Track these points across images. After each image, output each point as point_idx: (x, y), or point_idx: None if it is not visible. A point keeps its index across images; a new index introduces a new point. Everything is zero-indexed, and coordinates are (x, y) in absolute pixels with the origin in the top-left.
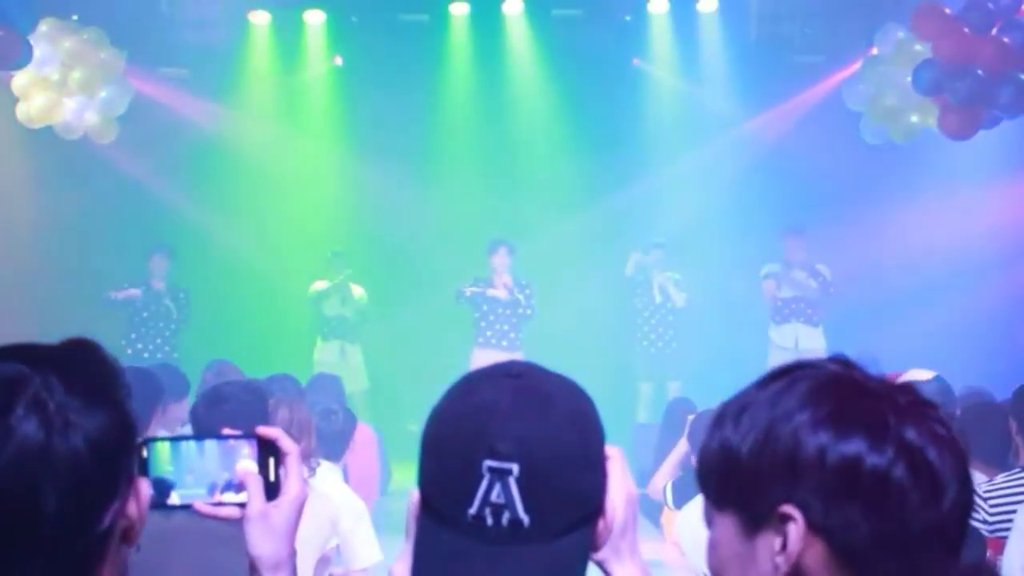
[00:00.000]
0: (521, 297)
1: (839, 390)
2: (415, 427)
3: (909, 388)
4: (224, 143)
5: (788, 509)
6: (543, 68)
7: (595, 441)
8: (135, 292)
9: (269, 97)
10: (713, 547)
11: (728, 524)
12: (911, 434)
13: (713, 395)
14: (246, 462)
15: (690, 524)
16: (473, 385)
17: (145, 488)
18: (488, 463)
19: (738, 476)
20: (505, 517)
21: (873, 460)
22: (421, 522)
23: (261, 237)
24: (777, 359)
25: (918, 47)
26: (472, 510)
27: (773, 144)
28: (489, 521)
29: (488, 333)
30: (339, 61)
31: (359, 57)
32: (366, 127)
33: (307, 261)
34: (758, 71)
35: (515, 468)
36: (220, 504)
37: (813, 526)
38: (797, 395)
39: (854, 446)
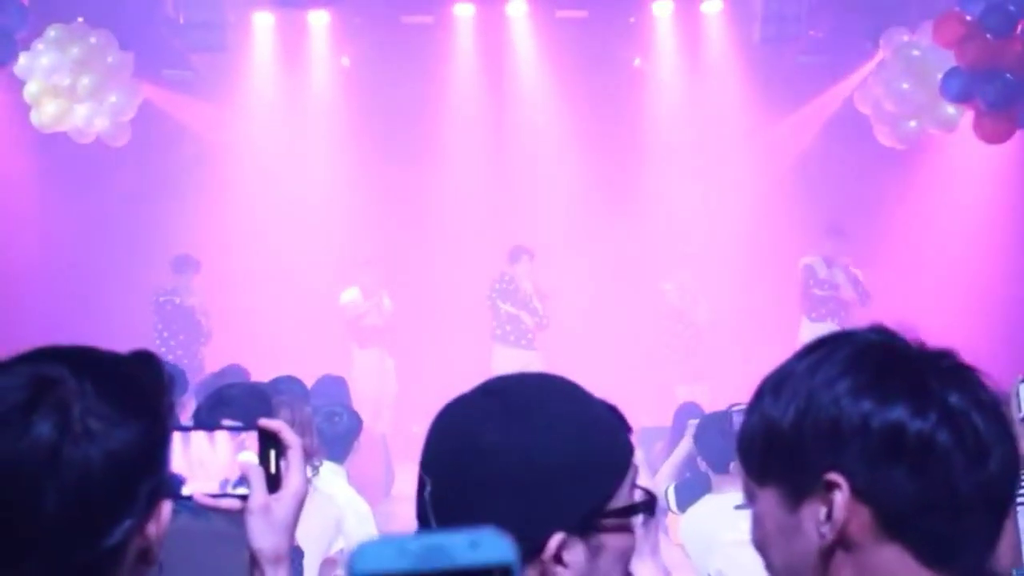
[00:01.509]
0: (539, 306)
1: (879, 356)
2: (418, 429)
3: (950, 353)
4: (230, 145)
5: (833, 476)
6: (547, 70)
7: (525, 482)
8: (196, 301)
9: (275, 98)
10: (757, 522)
11: (771, 497)
12: (954, 398)
13: (740, 397)
14: (247, 454)
15: (694, 526)
16: (464, 399)
17: (167, 510)
18: (419, 473)
19: (780, 448)
20: (427, 525)
21: (917, 425)
22: None
23: (270, 240)
24: None
25: (915, 52)
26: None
27: (782, 145)
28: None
29: (508, 327)
30: (346, 62)
31: (363, 59)
32: (371, 128)
33: (319, 263)
34: (764, 72)
35: (429, 483)
36: (221, 496)
37: (858, 493)
38: (836, 363)
39: (897, 412)
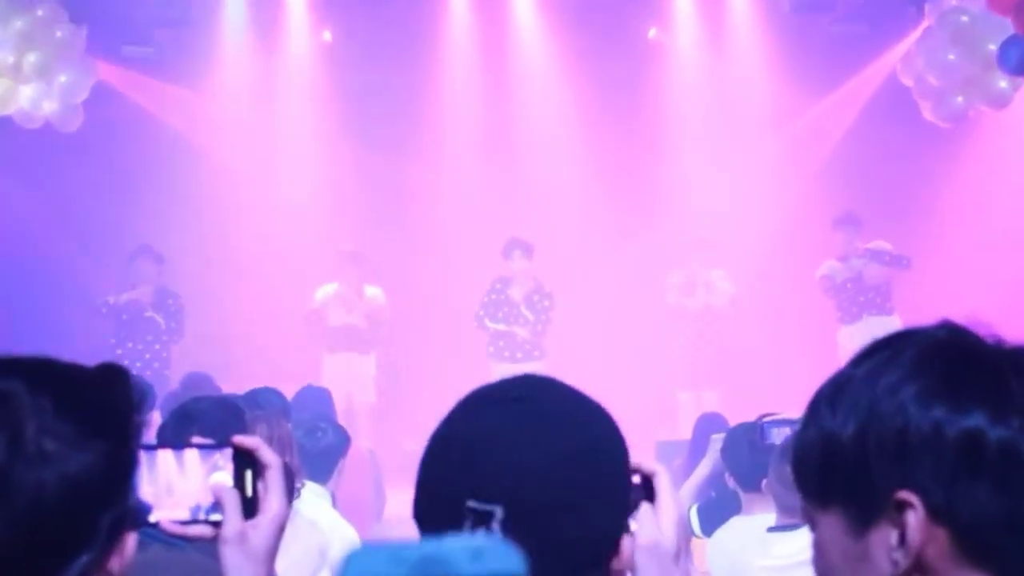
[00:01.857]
0: (529, 314)
1: (949, 356)
2: (412, 446)
3: None
4: (196, 131)
5: (905, 495)
6: (552, 43)
7: (604, 478)
8: (140, 293)
9: (247, 78)
10: (819, 550)
11: (834, 522)
12: None
13: (753, 407)
14: (220, 475)
15: (722, 552)
16: (472, 409)
17: (132, 544)
18: (470, 503)
19: (842, 466)
20: None
21: (998, 432)
22: None
23: (246, 237)
24: None
25: (964, 18)
26: None
27: (818, 127)
28: None
29: (501, 343)
30: (328, 37)
31: (347, 33)
32: (357, 112)
33: (297, 262)
34: (795, 43)
35: (498, 511)
36: (191, 523)
37: (934, 512)
38: (900, 366)
39: (975, 418)
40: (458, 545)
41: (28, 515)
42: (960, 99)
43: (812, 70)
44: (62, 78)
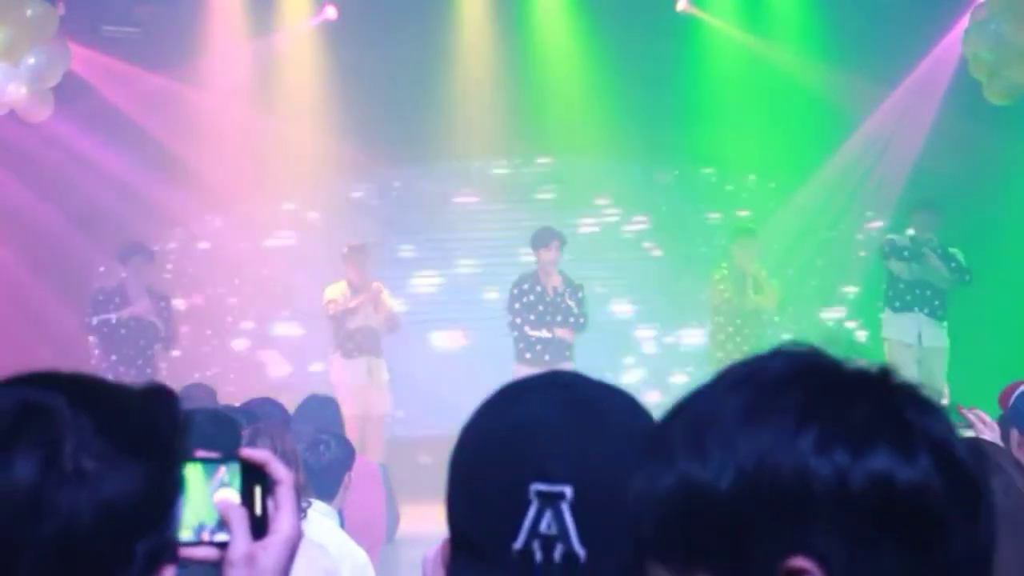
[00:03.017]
0: (573, 304)
1: (835, 388)
2: (428, 459)
3: (892, 370)
4: (185, 122)
5: (800, 562)
6: (573, 18)
7: None
8: (139, 308)
9: (242, 63)
10: None
11: None
12: (936, 429)
13: None
14: (226, 492)
15: None
16: (515, 398)
17: None
18: (536, 487)
19: (716, 526)
20: (557, 551)
21: (907, 474)
22: (454, 565)
23: (242, 238)
24: (898, 359)
25: None
26: (518, 544)
27: (872, 109)
28: (538, 556)
29: (539, 347)
30: (332, 14)
31: (355, 9)
32: (364, 98)
33: (299, 261)
34: (848, 15)
35: (568, 491)
36: (195, 544)
37: None
38: (789, 407)
39: (881, 460)
40: None
41: (61, 541)
42: (1017, 75)
43: (868, 44)
44: (31, 60)
